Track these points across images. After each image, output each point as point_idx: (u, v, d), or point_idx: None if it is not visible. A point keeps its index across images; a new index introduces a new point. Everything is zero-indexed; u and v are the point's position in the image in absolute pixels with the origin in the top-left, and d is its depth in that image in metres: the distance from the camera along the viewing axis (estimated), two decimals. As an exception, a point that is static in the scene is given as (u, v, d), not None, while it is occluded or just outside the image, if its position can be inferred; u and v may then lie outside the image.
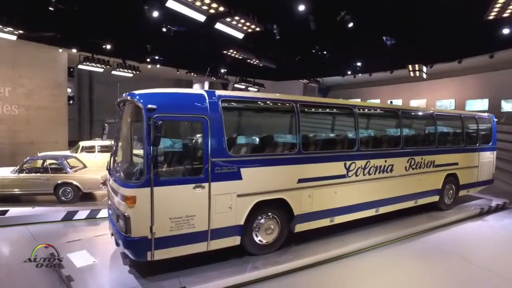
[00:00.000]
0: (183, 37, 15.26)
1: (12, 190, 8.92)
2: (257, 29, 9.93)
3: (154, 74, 23.63)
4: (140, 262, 5.17)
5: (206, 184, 4.94)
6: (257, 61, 16.12)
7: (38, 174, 9.01)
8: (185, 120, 4.89)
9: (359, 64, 20.39)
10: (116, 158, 5.57)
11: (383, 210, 7.40)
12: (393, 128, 7.87)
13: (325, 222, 6.46)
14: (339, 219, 6.65)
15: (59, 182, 8.91)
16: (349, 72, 22.89)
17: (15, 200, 9.30)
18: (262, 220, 5.64)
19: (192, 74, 21.18)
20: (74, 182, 8.96)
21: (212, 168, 4.97)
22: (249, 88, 24.58)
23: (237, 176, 5.23)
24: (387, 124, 8.04)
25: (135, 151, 5.27)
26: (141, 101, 4.64)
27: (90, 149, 13.34)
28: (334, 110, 7.15)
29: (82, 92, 30.25)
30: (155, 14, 11.22)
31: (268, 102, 6.13)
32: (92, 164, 11.52)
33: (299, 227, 6.07)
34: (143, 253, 4.59)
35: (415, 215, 8.25)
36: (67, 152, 13.63)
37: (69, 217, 8.14)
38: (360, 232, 7.03)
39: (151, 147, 4.48)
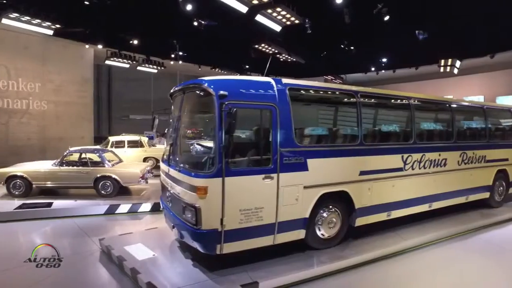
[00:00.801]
0: (210, 32, 15.20)
1: (53, 182, 8.90)
2: (296, 21, 9.74)
3: (175, 70, 23.63)
4: (202, 256, 5.05)
5: (275, 175, 4.78)
6: (287, 56, 15.86)
7: (79, 167, 8.96)
8: (254, 108, 4.71)
9: (384, 60, 20.03)
10: (175, 148, 5.42)
11: (436, 205, 7.15)
12: (446, 121, 7.61)
13: (382, 217, 6.25)
14: (396, 214, 6.43)
15: (98, 175, 8.85)
16: (372, 69, 22.51)
17: (52, 193, 9.31)
18: (325, 213, 5.46)
19: (217, 70, 21.03)
20: (114, 176, 8.90)
21: (280, 158, 4.81)
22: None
23: (304, 167, 5.06)
24: (440, 117, 7.79)
25: (202, 140, 5.13)
26: (212, 87, 4.49)
27: (119, 144, 13.32)
28: (392, 101, 6.91)
29: (101, 89, 30.43)
30: (189, 7, 11.12)
31: (332, 92, 5.94)
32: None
33: (359, 221, 5.87)
34: (213, 246, 4.44)
35: (465, 212, 7.97)
36: (97, 148, 13.66)
37: (111, 210, 8.09)
38: (413, 227, 6.80)
39: (223, 136, 4.33)
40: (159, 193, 9.72)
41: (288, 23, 9.79)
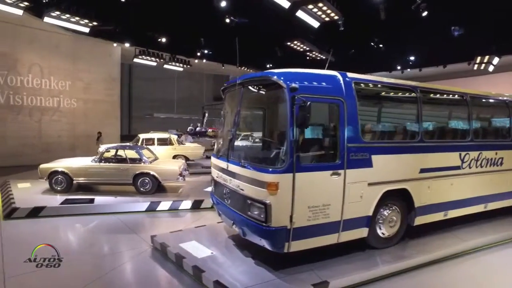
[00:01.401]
0: (238, 31, 15.11)
1: (93, 178, 8.93)
2: (335, 17, 9.55)
3: (197, 69, 23.69)
4: (262, 254, 4.94)
5: (342, 171, 4.62)
6: (317, 54, 15.65)
7: (118, 164, 8.97)
8: (323, 102, 4.56)
9: (411, 58, 19.61)
10: (236, 143, 5.31)
11: (491, 206, 6.87)
12: (503, 119, 7.31)
13: (439, 216, 6.03)
14: (452, 214, 6.19)
15: (137, 172, 8.84)
16: (398, 67, 22.08)
17: (88, 189, 9.36)
18: (386, 212, 5.28)
19: (244, 68, 20.93)
20: (152, 173, 8.87)
21: (347, 154, 4.66)
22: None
23: (368, 164, 4.89)
24: (497, 115, 7.49)
25: (268, 135, 5.01)
26: (282, 79, 4.36)
27: (149, 142, 13.33)
28: (450, 96, 6.67)
29: (122, 88, 30.76)
30: (223, 3, 11.06)
31: (393, 87, 5.75)
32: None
33: (418, 220, 5.66)
34: (281, 244, 4.31)
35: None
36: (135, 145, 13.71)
37: (152, 207, 8.05)
38: (469, 228, 6.53)
39: (295, 130, 4.21)
40: (197, 190, 9.88)
41: (327, 19, 9.61)
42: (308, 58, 18.54)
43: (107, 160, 9.11)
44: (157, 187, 9.13)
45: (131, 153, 9.20)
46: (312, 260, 4.79)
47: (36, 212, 7.41)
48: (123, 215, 7.71)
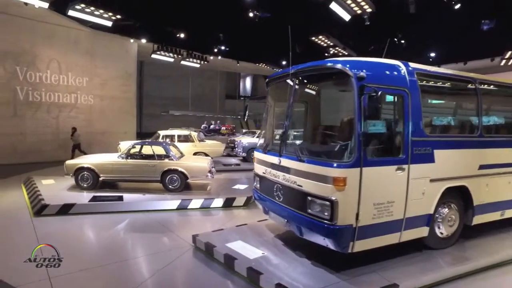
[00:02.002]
0: (257, 26, 14.86)
1: (120, 175, 8.70)
2: (369, 9, 9.24)
3: (212, 66, 23.45)
4: (316, 254, 4.69)
5: (406, 166, 4.34)
6: (340, 50, 15.32)
7: (146, 160, 8.73)
8: (388, 93, 4.28)
9: (432, 54, 19.20)
10: (289, 137, 5.03)
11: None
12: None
13: (496, 216, 5.69)
14: (509, 213, 5.86)
15: (165, 169, 8.60)
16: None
17: (112, 186, 9.15)
18: (445, 210, 4.98)
19: (262, 65, 20.67)
20: (181, 169, 8.62)
21: (411, 148, 4.37)
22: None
23: (431, 159, 4.60)
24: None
25: (329, 127, 4.72)
26: (348, 66, 4.07)
27: (169, 139, 13.10)
28: (509, 89, 6.32)
29: (133, 86, 30.66)
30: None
31: (453, 78, 5.43)
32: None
33: (476, 219, 5.34)
34: (346, 243, 4.03)
35: None
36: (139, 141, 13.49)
37: (183, 205, 7.80)
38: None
39: (363, 122, 3.93)
40: (225, 188, 9.60)
41: (359, 11, 9.30)
42: (326, 54, 18.25)
43: (134, 156, 8.87)
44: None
45: (158, 150, 8.95)
46: (369, 260, 4.51)
47: (66, 209, 7.20)
48: (153, 213, 7.47)
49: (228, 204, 8.05)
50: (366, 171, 3.99)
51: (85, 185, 8.64)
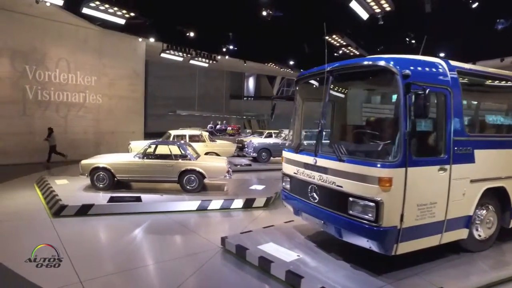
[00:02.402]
0: (266, 26, 14.76)
1: (137, 175, 8.56)
2: (388, 8, 9.14)
3: (218, 66, 23.33)
4: (352, 256, 4.58)
5: (448, 166, 4.22)
6: (351, 49, 15.20)
7: (163, 160, 8.59)
8: (433, 91, 4.15)
9: (442, 54, 19.11)
10: (325, 136, 4.90)
11: None
12: None
13: (533, 218, 5.59)
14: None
15: (183, 169, 8.46)
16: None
17: (126, 187, 9.01)
18: (483, 212, 4.86)
19: (271, 65, 20.56)
20: (199, 170, 8.49)
21: (453, 148, 4.26)
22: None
23: (471, 159, 4.49)
24: None
25: (369, 126, 4.60)
26: (392, 63, 3.95)
27: (180, 139, 12.96)
28: None
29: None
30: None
31: (494, 77, 5.31)
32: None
33: (514, 222, 5.24)
34: (391, 246, 3.91)
35: None
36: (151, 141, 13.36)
37: (203, 206, 7.67)
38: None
39: (408, 120, 3.81)
40: (242, 188, 9.44)
41: (378, 10, 9.19)
42: (336, 54, 18.15)
43: (151, 156, 8.73)
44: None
45: (175, 149, 8.81)
46: (408, 263, 4.39)
47: (85, 210, 7.06)
48: (173, 214, 7.33)
49: (248, 205, 7.92)
50: (411, 171, 3.88)
51: (101, 185, 8.50)
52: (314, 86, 5.44)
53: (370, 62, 4.27)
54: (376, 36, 16.06)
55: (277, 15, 12.64)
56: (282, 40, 17.00)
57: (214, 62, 18.19)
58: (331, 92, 4.81)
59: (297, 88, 5.80)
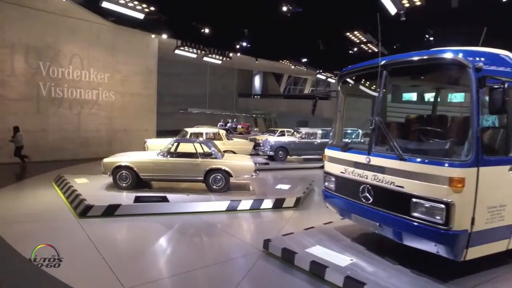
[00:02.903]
0: (281, 23, 14.49)
1: (161, 174, 8.29)
2: (418, 3, 8.86)
3: (228, 63, 23.07)
4: (410, 260, 4.33)
5: (516, 167, 3.96)
6: (371, 47, 14.89)
7: (189, 158, 8.35)
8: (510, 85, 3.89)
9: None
10: (378, 132, 4.62)
11: None
12: None
13: None
14: None
15: (209, 168, 8.21)
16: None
17: (148, 186, 8.78)
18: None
19: (286, 62, 20.28)
20: (226, 168, 8.24)
21: (522, 146, 3.99)
22: (329, 79, 23.51)
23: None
24: None
25: (434, 123, 4.33)
26: (461, 55, 3.69)
27: (197, 137, 12.72)
28: None
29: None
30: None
31: None
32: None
33: None
34: (461, 250, 3.64)
35: None
36: (168, 139, 13.12)
37: (233, 207, 7.42)
38: None
39: (480, 116, 3.56)
40: (267, 187, 9.18)
41: (407, 5, 8.91)
42: (351, 52, 17.88)
43: (175, 154, 8.48)
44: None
45: (200, 147, 8.56)
46: (471, 269, 4.13)
47: (111, 211, 6.80)
48: (203, 215, 7.09)
49: (278, 205, 7.68)
50: (482, 171, 3.62)
51: (124, 184, 8.25)
52: (362, 81, 5.19)
53: (435, 55, 3.99)
54: (397, 33, 15.70)
55: (296, 11, 12.36)
56: (296, 37, 16.74)
57: (228, 59, 17.90)
58: (385, 87, 4.53)
59: (340, 84, 5.53)
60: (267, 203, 7.65)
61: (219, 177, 8.28)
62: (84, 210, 6.76)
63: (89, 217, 6.66)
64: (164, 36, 16.30)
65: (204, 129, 13.29)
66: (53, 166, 12.22)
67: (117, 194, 7.99)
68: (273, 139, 15.15)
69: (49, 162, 13.29)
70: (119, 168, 8.27)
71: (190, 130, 12.84)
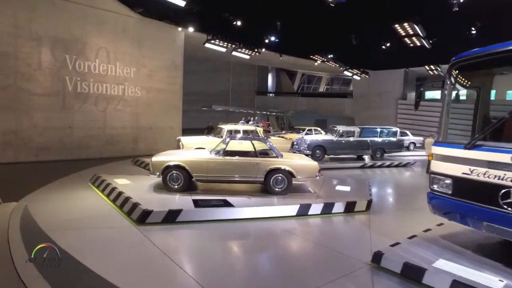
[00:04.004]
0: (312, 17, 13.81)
1: (217, 175, 7.55)
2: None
3: (251, 60, 22.30)
4: None
5: None
6: (414, 40, 14.02)
7: (248, 158, 7.61)
8: None
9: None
10: None
11: None
12: None
13: None
14: None
15: (270, 168, 7.47)
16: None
17: (193, 188, 8.04)
18: None
19: (316, 57, 19.55)
20: (288, 169, 7.50)
21: None
22: (354, 76, 22.78)
23: None
24: None
25: None
26: None
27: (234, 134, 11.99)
28: None
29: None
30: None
31: None
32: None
33: None
34: None
35: None
36: (203, 137, 12.44)
37: (303, 211, 6.69)
38: None
39: None
40: (327, 189, 8.46)
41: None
42: (384, 47, 17.16)
43: (231, 153, 7.73)
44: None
45: (258, 146, 7.84)
46: None
47: (172, 217, 6.06)
48: (272, 221, 6.36)
49: (350, 209, 6.97)
50: None
51: (175, 186, 7.52)
52: (485, 69, 4.46)
53: None
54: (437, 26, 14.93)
55: (341, 2, 11.60)
56: (328, 31, 16.03)
57: (258, 54, 17.15)
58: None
59: (453, 73, 4.80)
60: (338, 207, 6.93)
61: (280, 178, 7.54)
62: (142, 216, 6.01)
63: (149, 224, 5.93)
64: (191, 29, 15.55)
65: (241, 126, 12.55)
66: (82, 165, 11.50)
67: (169, 197, 7.26)
68: (309, 137, 14.42)
69: (75, 161, 12.58)
70: (169, 168, 7.53)
71: (226, 127, 12.10)
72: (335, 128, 14.33)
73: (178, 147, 11.96)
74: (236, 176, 7.52)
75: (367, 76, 23.07)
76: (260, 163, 7.48)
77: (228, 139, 7.90)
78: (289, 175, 7.51)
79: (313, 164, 7.71)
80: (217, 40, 15.06)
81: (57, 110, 12.52)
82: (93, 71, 13.33)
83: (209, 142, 11.69)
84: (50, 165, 11.84)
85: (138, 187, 7.97)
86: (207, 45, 15.43)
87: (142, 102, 14.97)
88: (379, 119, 22.46)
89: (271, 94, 35.02)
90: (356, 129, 14.22)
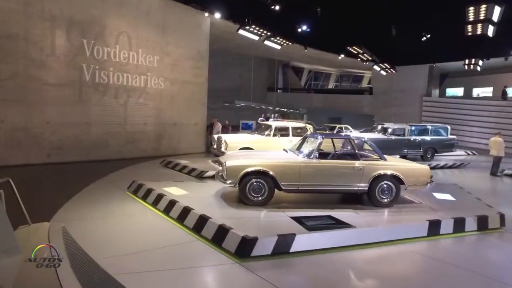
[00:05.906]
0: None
1: (310, 183, 5.94)
2: None
3: (267, 53, 20.71)
4: None
5: None
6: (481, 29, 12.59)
7: (348, 161, 6.05)
8: None
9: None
10: None
11: None
12: None
13: None
14: None
15: (377, 173, 5.94)
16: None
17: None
18: None
19: (354, 48, 18.21)
20: (397, 174, 5.99)
21: None
22: (381, 71, 21.51)
23: None
24: None
25: None
26: None
27: (283, 131, 10.42)
28: None
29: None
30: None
31: None
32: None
33: None
34: None
35: None
36: (246, 135, 10.84)
37: (434, 230, 5.19)
38: None
39: None
40: (427, 199, 6.56)
41: None
42: (423, 39, 15.91)
43: (326, 155, 6.16)
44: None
45: (360, 146, 6.30)
46: None
47: (285, 245, 4.43)
48: (403, 244, 4.85)
49: (483, 225, 5.51)
50: None
51: (258, 198, 5.88)
52: None
53: None
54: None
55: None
56: (361, 21, 14.69)
57: (291, 44, 15.58)
58: None
59: None
60: (470, 224, 5.46)
61: (385, 185, 6.02)
62: (243, 247, 4.33)
63: (255, 259, 4.26)
64: (218, 15, 13.83)
65: (290, 123, 10.95)
66: (104, 168, 9.70)
67: (254, 213, 5.64)
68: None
69: (93, 162, 10.76)
70: (248, 175, 5.87)
71: (274, 124, 10.51)
72: (384, 126, 12.91)
73: (218, 148, 10.32)
74: (334, 184, 5.94)
75: (394, 72, 21.77)
76: (365, 167, 5.92)
77: (319, 137, 6.28)
78: (398, 182, 5.99)
79: (424, 168, 6.24)
80: (254, 26, 13.35)
81: (72, 103, 10.62)
82: (113, 59, 11.46)
83: (256, 141, 10.16)
84: (66, 167, 9.97)
85: (200, 199, 6.32)
86: (241, 31, 13.72)
87: (166, 96, 13.15)
88: (402, 116, 21.23)
89: (280, 91, 33.53)
90: (407, 127, 12.84)
